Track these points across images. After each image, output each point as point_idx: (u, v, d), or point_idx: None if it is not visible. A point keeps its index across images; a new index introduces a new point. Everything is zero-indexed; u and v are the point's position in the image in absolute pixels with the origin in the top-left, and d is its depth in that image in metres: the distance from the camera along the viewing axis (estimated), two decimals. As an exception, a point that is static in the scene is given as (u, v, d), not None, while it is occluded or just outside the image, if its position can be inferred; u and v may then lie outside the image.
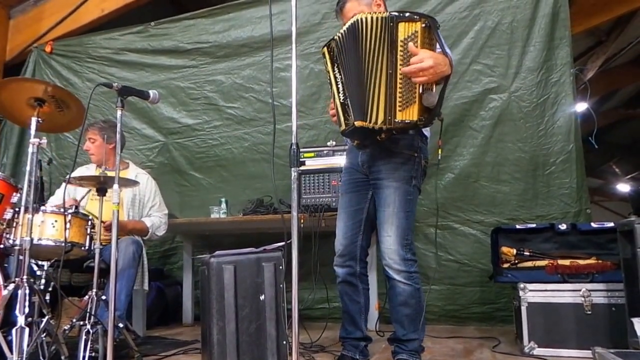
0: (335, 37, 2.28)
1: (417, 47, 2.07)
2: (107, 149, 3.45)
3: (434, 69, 2.04)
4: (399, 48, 2.10)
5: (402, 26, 2.10)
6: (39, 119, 2.64)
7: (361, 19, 2.16)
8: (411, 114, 2.07)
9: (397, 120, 2.09)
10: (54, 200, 3.59)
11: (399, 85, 2.09)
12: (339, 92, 2.26)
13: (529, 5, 3.83)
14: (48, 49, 5.35)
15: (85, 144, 3.60)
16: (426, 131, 2.54)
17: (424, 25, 2.08)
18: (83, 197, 3.41)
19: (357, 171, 2.60)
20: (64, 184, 3.29)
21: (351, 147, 2.63)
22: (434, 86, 2.11)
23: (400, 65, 2.10)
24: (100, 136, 3.54)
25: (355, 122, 2.14)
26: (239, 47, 4.66)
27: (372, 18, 2.14)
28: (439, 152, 2.50)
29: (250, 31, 4.63)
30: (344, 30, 2.23)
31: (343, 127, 2.26)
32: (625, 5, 5.29)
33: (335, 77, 2.28)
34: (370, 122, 2.14)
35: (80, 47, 5.27)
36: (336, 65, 2.28)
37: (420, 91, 2.08)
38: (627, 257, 2.50)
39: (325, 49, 2.37)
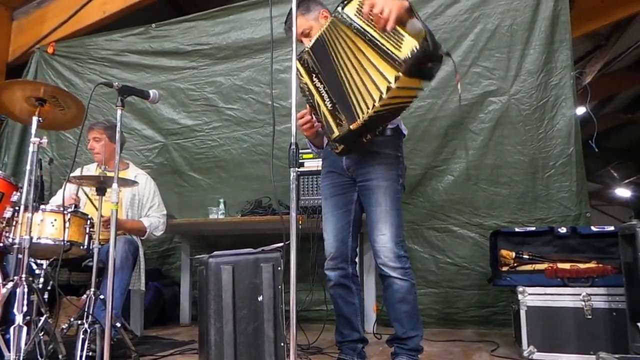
0: (305, 50, 2.33)
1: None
2: (112, 148, 3.47)
3: (389, 3, 1.98)
4: (358, 20, 2.09)
5: (348, 8, 2.14)
6: (40, 118, 2.65)
7: (320, 35, 2.24)
8: (409, 45, 1.93)
9: (405, 58, 1.92)
10: (56, 199, 3.61)
11: (381, 39, 2.02)
12: (324, 100, 2.26)
13: (529, 8, 3.83)
14: (50, 50, 5.39)
15: (90, 143, 3.62)
16: (404, 129, 2.59)
17: None
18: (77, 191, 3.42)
19: (341, 174, 2.61)
20: (65, 183, 3.30)
21: (328, 152, 2.62)
22: (408, 20, 2.00)
23: (367, 25, 2.06)
24: (106, 135, 3.57)
25: (351, 126, 2.13)
26: (239, 49, 4.68)
27: (326, 28, 2.21)
28: (459, 85, 2.43)
29: (250, 33, 4.64)
30: (312, 45, 2.29)
31: (336, 133, 2.24)
32: (624, 10, 5.29)
33: (317, 87, 2.29)
34: (366, 113, 2.08)
35: (81, 48, 5.30)
36: (314, 75, 2.30)
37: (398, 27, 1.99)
38: (629, 261, 2.48)
39: (298, 62, 2.36)
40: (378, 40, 2.03)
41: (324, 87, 2.25)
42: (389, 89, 1.97)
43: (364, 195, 2.52)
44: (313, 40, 2.30)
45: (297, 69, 2.36)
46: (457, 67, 3.90)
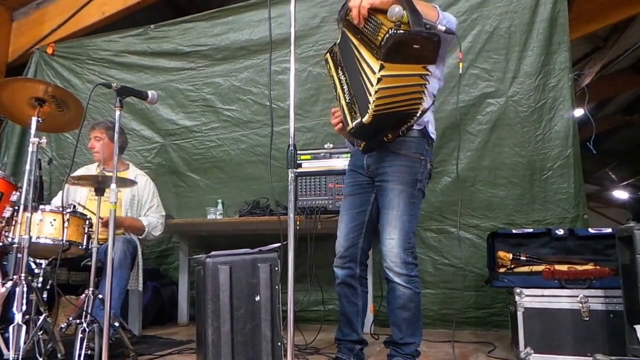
0: (337, 43, 2.36)
1: None
2: (112, 148, 3.47)
3: None
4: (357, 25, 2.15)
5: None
6: (39, 119, 2.67)
7: (343, 32, 2.28)
8: (384, 31, 1.92)
9: (380, 44, 1.93)
10: (56, 201, 3.63)
11: (366, 31, 2.06)
12: (344, 93, 2.27)
13: (527, 10, 3.83)
14: (50, 50, 5.39)
15: (91, 142, 3.64)
16: (432, 133, 2.55)
17: None
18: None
19: (361, 174, 2.60)
20: (65, 185, 3.31)
21: (356, 150, 2.63)
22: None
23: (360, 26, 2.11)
24: (107, 135, 3.58)
25: (363, 119, 2.09)
26: (237, 50, 4.69)
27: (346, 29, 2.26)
28: (460, 65, 2.39)
29: (248, 34, 4.65)
30: (339, 40, 2.33)
31: (350, 126, 2.22)
32: (622, 12, 5.30)
33: (340, 80, 2.31)
34: (372, 106, 2.06)
35: (81, 49, 5.31)
36: (340, 68, 2.32)
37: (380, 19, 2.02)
38: (626, 263, 2.47)
39: (328, 54, 2.43)
40: (365, 34, 2.08)
41: (345, 80, 2.26)
42: (378, 79, 1.96)
43: (380, 196, 2.51)
44: (340, 36, 2.33)
45: (327, 62, 2.42)
46: (455, 69, 3.88)
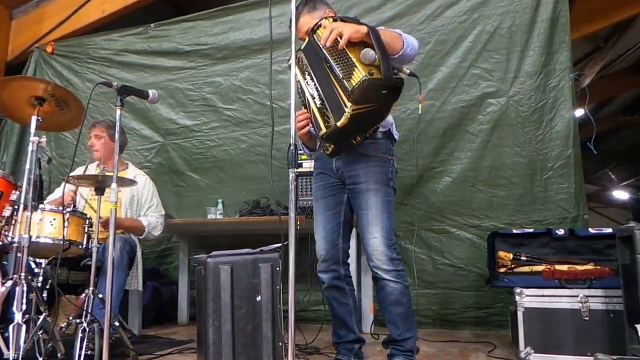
0: (301, 49, 2.37)
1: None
2: (111, 147, 3.47)
3: (338, 27, 2.07)
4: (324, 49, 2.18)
5: (319, 31, 2.21)
6: (39, 118, 2.66)
7: (311, 39, 2.30)
8: (358, 76, 2.02)
9: (353, 88, 2.02)
10: (53, 196, 3.62)
11: (335, 66, 2.12)
12: (314, 99, 2.28)
13: (529, 10, 3.82)
14: (49, 49, 5.39)
15: (90, 140, 3.63)
16: (395, 134, 2.61)
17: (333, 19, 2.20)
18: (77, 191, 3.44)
19: (330, 176, 2.63)
20: (64, 183, 3.31)
21: (321, 153, 2.63)
22: (363, 48, 2.06)
23: (328, 52, 2.15)
24: (107, 134, 3.57)
25: (338, 123, 2.12)
26: (238, 49, 4.69)
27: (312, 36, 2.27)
28: (420, 107, 2.78)
29: (249, 34, 4.65)
30: (304, 46, 2.35)
31: (323, 130, 2.25)
32: (623, 12, 5.30)
33: (308, 85, 2.32)
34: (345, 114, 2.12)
35: (80, 47, 5.31)
36: (307, 74, 2.32)
37: (352, 57, 2.08)
38: (626, 263, 2.48)
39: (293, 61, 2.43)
40: (335, 69, 2.12)
41: (314, 85, 2.28)
42: (347, 112, 2.07)
43: (354, 199, 2.54)
44: (305, 42, 2.34)
45: (290, 68, 2.40)
46: (456, 69, 3.93)
